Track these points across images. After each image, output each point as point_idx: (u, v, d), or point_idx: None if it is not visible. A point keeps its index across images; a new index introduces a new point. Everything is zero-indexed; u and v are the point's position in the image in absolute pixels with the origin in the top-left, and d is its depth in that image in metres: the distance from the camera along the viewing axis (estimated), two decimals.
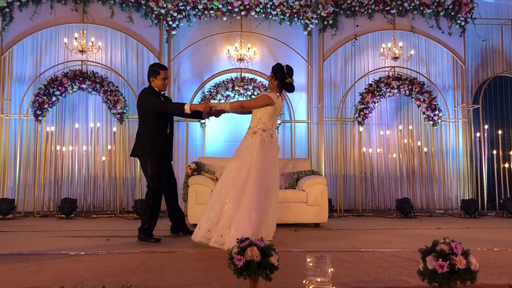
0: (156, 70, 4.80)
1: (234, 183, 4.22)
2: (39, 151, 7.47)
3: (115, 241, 4.53)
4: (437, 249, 2.09)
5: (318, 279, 2.24)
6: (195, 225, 5.57)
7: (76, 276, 2.84)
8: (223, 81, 7.77)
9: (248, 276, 2.25)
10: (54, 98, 7.34)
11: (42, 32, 7.69)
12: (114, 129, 7.63)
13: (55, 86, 7.29)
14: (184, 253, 3.78)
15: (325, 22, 7.86)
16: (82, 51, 7.52)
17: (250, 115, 4.59)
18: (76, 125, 7.65)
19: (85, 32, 7.61)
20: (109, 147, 7.68)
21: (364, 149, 7.99)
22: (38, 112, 7.28)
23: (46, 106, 7.30)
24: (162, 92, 4.91)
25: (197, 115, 4.84)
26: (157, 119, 4.75)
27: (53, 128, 7.57)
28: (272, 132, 4.47)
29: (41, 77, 7.61)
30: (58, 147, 7.61)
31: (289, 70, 4.58)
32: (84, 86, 7.40)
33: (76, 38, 7.53)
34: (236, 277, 2.27)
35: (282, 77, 4.51)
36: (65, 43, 7.57)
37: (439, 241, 2.13)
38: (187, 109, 4.64)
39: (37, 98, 7.26)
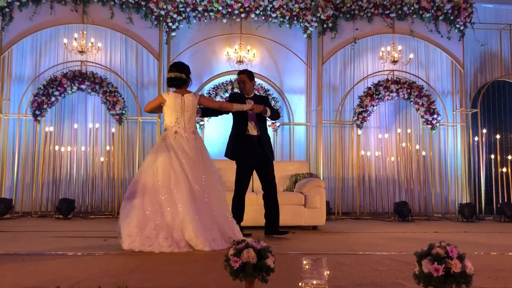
0: None
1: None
2: (37, 151, 7.47)
3: (112, 241, 4.52)
4: (433, 253, 2.09)
5: (314, 282, 2.23)
6: None
7: (73, 277, 2.83)
8: (223, 83, 7.79)
9: (244, 278, 2.25)
10: (53, 98, 7.34)
11: (41, 32, 7.70)
12: (113, 130, 7.64)
13: (54, 86, 7.29)
14: (181, 255, 3.78)
15: (325, 25, 7.88)
16: (81, 52, 7.53)
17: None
18: (75, 126, 7.65)
19: (84, 32, 7.62)
20: (107, 148, 7.68)
21: (362, 152, 8.00)
22: (37, 112, 7.28)
23: (45, 106, 7.30)
24: (249, 95, 5.15)
25: None
26: (234, 122, 5.11)
27: (52, 128, 7.57)
28: (176, 129, 4.34)
29: (40, 77, 7.61)
30: (56, 147, 7.61)
31: (170, 65, 4.70)
32: (83, 86, 7.41)
33: (75, 39, 7.54)
34: (232, 279, 2.27)
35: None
36: (65, 44, 7.57)
37: (435, 245, 2.14)
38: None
39: (36, 98, 7.26)
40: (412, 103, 7.97)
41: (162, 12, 7.57)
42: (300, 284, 2.29)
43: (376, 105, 7.96)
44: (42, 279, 2.78)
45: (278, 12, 7.78)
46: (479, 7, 8.34)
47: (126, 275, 2.90)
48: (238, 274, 2.24)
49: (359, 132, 7.92)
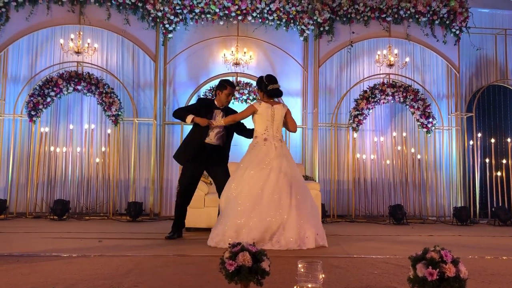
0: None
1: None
2: (32, 151, 7.45)
3: (107, 243, 4.51)
4: (427, 257, 2.10)
5: (309, 285, 2.24)
6: (189, 229, 5.56)
7: (67, 279, 2.83)
8: None
9: (239, 281, 2.25)
10: (49, 99, 7.32)
11: (38, 33, 7.68)
12: (109, 131, 7.62)
13: (50, 87, 7.27)
14: (176, 257, 3.78)
15: (321, 28, 7.90)
16: (78, 53, 7.52)
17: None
18: (71, 126, 7.63)
19: (81, 33, 7.61)
20: (103, 149, 7.66)
21: (358, 155, 8.02)
22: (33, 113, 7.26)
23: (40, 106, 7.28)
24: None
25: None
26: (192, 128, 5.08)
27: (47, 129, 7.55)
28: (266, 136, 4.66)
29: (36, 77, 7.59)
30: (52, 148, 7.58)
31: (269, 79, 4.77)
32: (79, 87, 7.39)
33: (72, 39, 7.53)
34: (227, 282, 2.27)
35: (264, 87, 4.73)
36: (61, 44, 7.56)
37: (429, 249, 2.15)
38: (188, 120, 4.91)
39: (32, 98, 7.24)
40: (407, 106, 8.00)
41: (159, 14, 7.57)
42: (295, 287, 2.29)
43: (372, 108, 7.99)
44: (37, 280, 2.77)
45: (275, 15, 7.80)
46: (475, 11, 8.40)
47: (121, 277, 2.90)
48: (233, 277, 2.24)
49: (355, 135, 7.94)
